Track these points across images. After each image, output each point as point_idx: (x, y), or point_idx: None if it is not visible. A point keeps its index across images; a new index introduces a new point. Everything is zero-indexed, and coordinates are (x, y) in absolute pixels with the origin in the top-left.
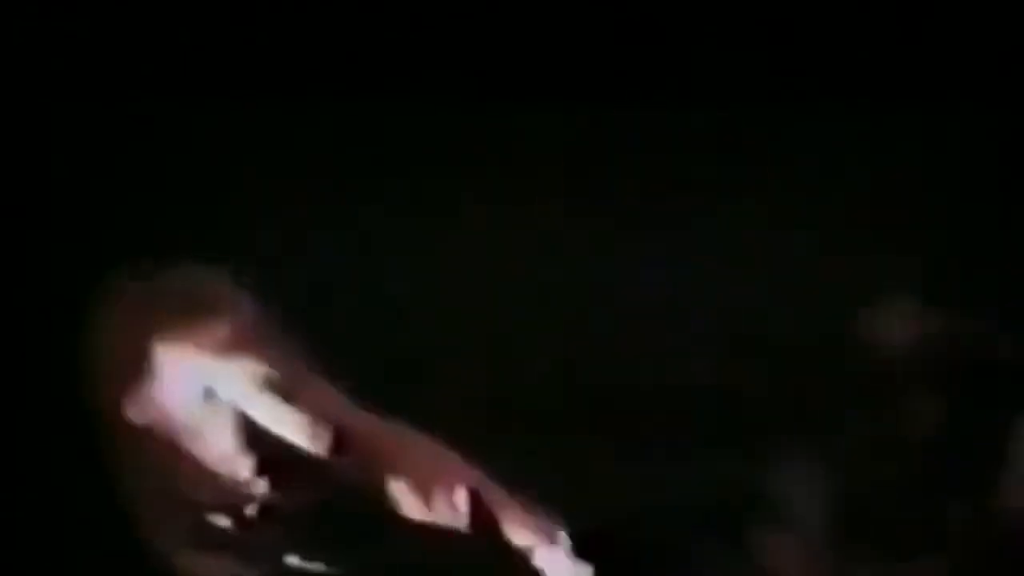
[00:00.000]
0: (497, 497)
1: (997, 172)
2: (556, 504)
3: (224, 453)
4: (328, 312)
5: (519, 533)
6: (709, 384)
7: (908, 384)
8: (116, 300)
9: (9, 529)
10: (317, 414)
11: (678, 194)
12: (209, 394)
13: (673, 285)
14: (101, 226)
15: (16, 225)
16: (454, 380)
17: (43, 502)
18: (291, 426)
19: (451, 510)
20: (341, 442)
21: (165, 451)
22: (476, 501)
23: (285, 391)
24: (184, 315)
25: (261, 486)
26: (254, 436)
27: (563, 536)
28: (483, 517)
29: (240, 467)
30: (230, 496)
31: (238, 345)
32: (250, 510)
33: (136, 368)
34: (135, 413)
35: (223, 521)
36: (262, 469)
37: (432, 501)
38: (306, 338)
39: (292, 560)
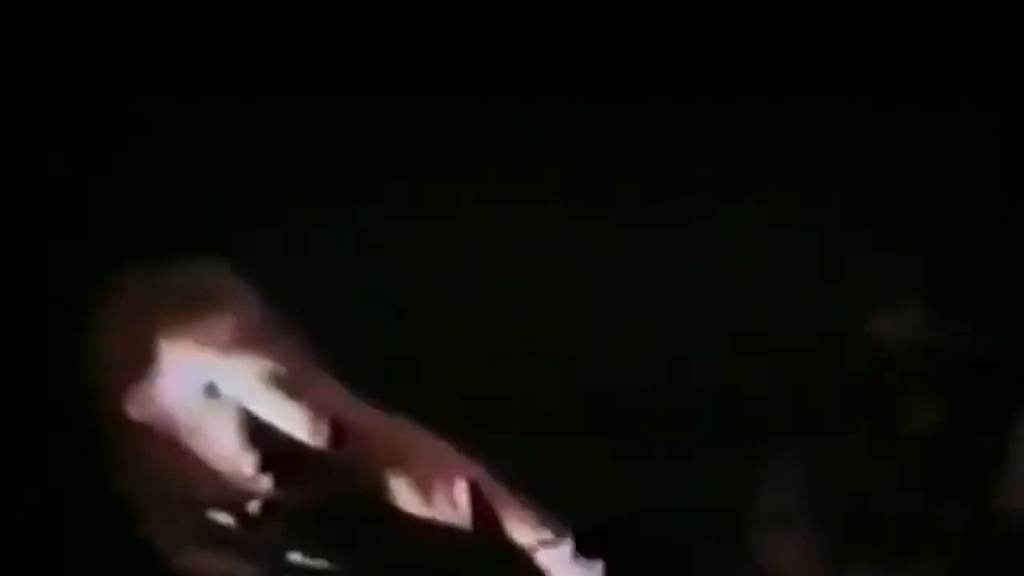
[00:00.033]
0: (498, 494)
1: (997, 172)
2: (556, 504)
3: (227, 450)
4: (328, 312)
5: (521, 531)
6: (709, 384)
7: (908, 384)
8: (116, 299)
9: (9, 529)
10: (319, 409)
11: (678, 194)
12: (211, 390)
13: (673, 285)
14: (101, 226)
15: (16, 225)
16: (454, 380)
17: (43, 502)
18: (293, 421)
19: (452, 505)
20: (340, 435)
21: (167, 449)
22: (476, 495)
23: (289, 386)
24: (186, 311)
25: (264, 482)
26: (257, 432)
27: (568, 536)
28: (484, 512)
29: (243, 464)
30: (232, 493)
31: (242, 341)
32: (253, 507)
33: (137, 366)
34: (137, 410)
35: (225, 519)
36: (265, 465)
37: (433, 496)
38: (307, 337)
39: (294, 557)
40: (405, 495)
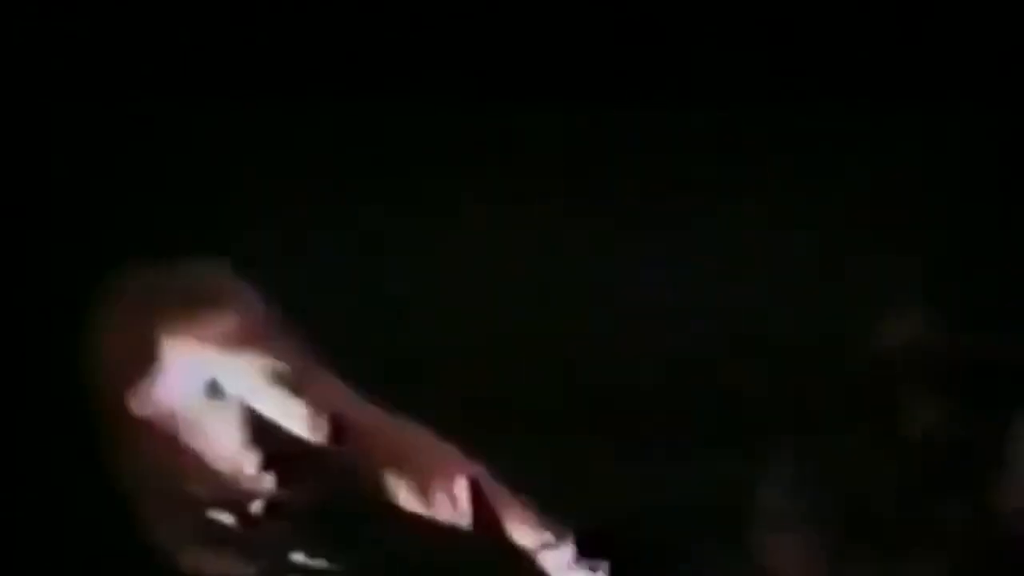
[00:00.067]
0: (499, 495)
1: (997, 172)
2: (556, 504)
3: (229, 448)
4: (328, 312)
5: (522, 533)
6: (709, 384)
7: (908, 384)
8: (116, 299)
9: (9, 529)
10: (319, 405)
11: (678, 194)
12: (214, 388)
13: (673, 285)
14: (101, 226)
15: (16, 225)
16: (454, 380)
17: (43, 502)
18: (293, 417)
19: (452, 504)
20: (341, 432)
21: (167, 448)
22: (477, 496)
23: (291, 383)
24: (187, 310)
25: (266, 481)
26: (259, 431)
27: (569, 537)
28: (484, 513)
29: (245, 462)
30: (233, 492)
31: (243, 339)
32: (255, 507)
33: (138, 365)
34: (139, 408)
35: (226, 518)
36: (267, 464)
37: (434, 495)
38: (307, 337)
39: (295, 556)
40: (405, 494)
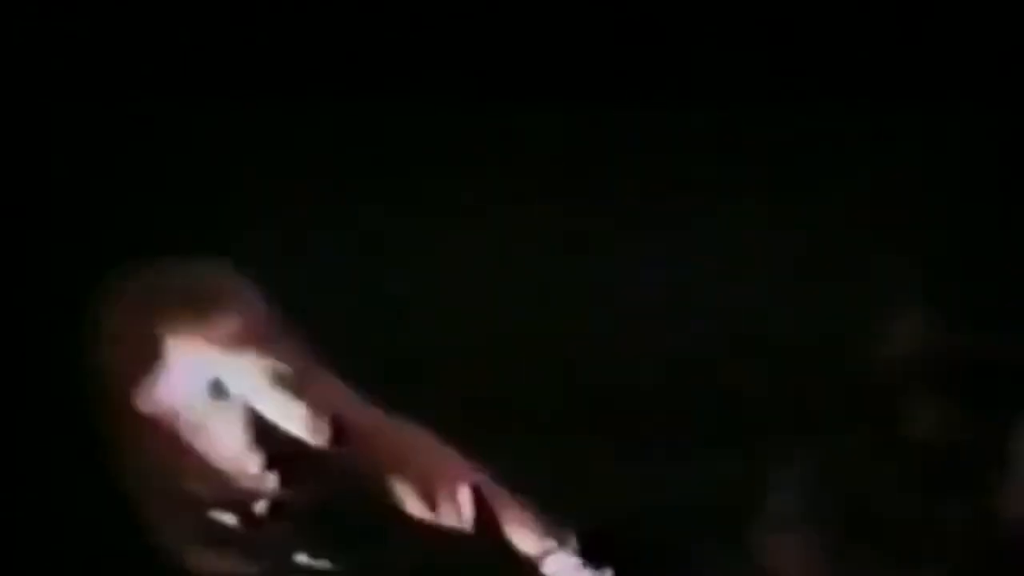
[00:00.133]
0: (501, 498)
1: (997, 172)
2: (556, 504)
3: (232, 449)
4: (328, 312)
5: (524, 537)
6: (709, 384)
7: (908, 385)
8: (116, 299)
9: (9, 529)
10: (321, 407)
11: (678, 194)
12: (217, 388)
13: (673, 285)
14: (101, 226)
15: (16, 225)
16: (454, 380)
17: (44, 502)
18: (295, 419)
19: (454, 508)
20: (342, 434)
21: (171, 448)
22: (479, 499)
23: (292, 385)
24: (188, 310)
25: (269, 481)
26: (263, 432)
27: (572, 540)
28: (486, 517)
29: (249, 463)
30: (236, 493)
31: (245, 339)
32: (258, 507)
33: (138, 365)
34: (143, 407)
35: (229, 518)
36: (271, 464)
37: (436, 498)
38: (307, 337)
39: (298, 557)
40: (407, 497)
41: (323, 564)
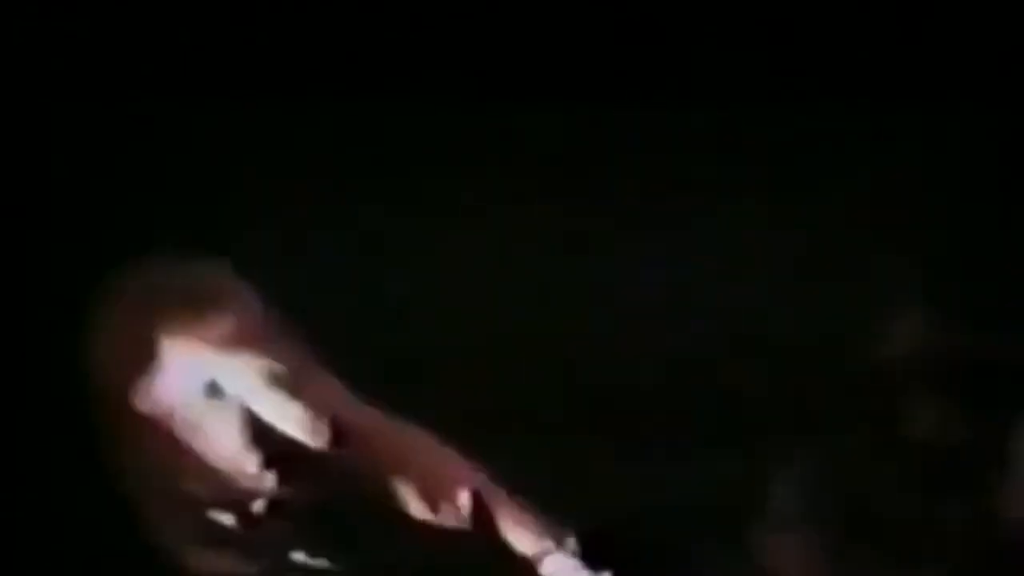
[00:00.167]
0: (501, 499)
1: (997, 172)
2: (556, 505)
3: (229, 449)
4: (328, 312)
5: (524, 538)
6: (709, 384)
7: (908, 385)
8: (116, 299)
9: (9, 529)
10: (319, 408)
11: (678, 194)
12: (213, 389)
13: (673, 285)
14: (101, 226)
15: (16, 225)
16: (454, 380)
17: (43, 502)
18: (293, 421)
19: (454, 509)
20: (341, 436)
21: (169, 448)
22: (479, 500)
23: (290, 386)
24: (187, 310)
25: (267, 480)
26: (260, 432)
27: (571, 541)
28: (486, 518)
29: (247, 463)
30: (234, 492)
31: (242, 340)
32: (256, 506)
33: (138, 365)
34: (142, 407)
35: (227, 518)
36: (269, 464)
37: (435, 499)
38: (307, 337)
39: (296, 556)
40: (407, 497)
41: (322, 563)
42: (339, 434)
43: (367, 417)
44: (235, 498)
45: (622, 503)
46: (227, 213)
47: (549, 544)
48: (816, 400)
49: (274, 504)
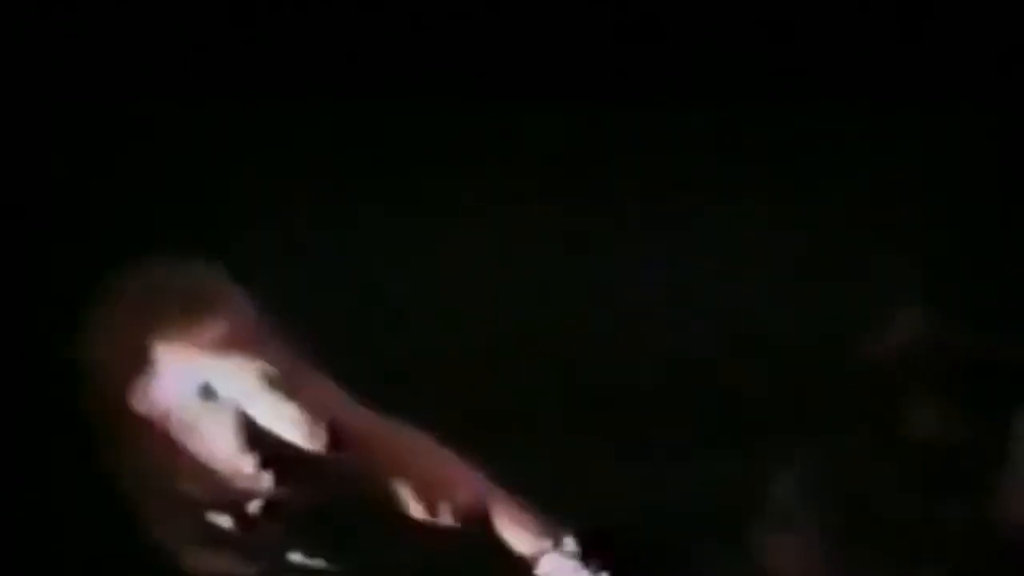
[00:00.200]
0: (500, 500)
1: (997, 172)
2: (556, 505)
3: (225, 451)
4: (328, 312)
5: (523, 538)
6: (709, 384)
7: (908, 385)
8: (116, 299)
9: (8, 529)
10: (316, 411)
11: (678, 194)
12: (207, 392)
13: (673, 285)
14: (101, 226)
15: (16, 225)
16: (454, 380)
17: (42, 502)
18: (290, 424)
19: (452, 509)
20: (338, 439)
21: (167, 449)
22: (478, 501)
23: (286, 388)
24: (184, 312)
25: (265, 481)
26: (255, 435)
27: (570, 541)
28: (485, 518)
29: (243, 464)
30: (231, 493)
31: (237, 342)
32: (253, 508)
33: (137, 366)
34: (140, 407)
35: (224, 519)
36: (266, 465)
37: (434, 500)
38: (306, 338)
39: (294, 557)
40: (405, 498)
41: (319, 564)
42: (337, 437)
43: (364, 419)
44: (232, 499)
45: (622, 503)
46: (227, 213)
47: (548, 544)
48: (816, 400)
49: (271, 505)
